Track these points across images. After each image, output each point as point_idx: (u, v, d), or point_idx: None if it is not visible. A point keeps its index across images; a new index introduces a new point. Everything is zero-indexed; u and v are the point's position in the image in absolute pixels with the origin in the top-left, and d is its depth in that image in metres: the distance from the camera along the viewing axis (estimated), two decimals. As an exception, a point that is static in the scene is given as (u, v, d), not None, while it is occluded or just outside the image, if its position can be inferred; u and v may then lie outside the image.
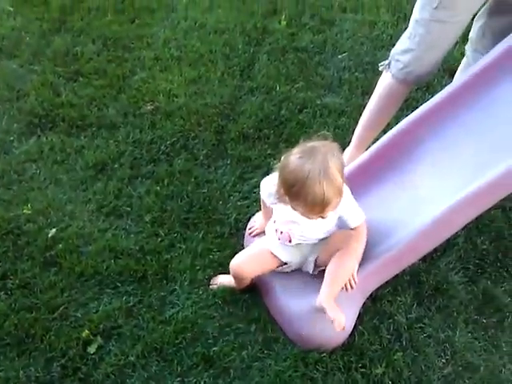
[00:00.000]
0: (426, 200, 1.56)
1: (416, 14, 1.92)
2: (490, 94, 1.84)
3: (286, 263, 1.76)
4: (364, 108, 2.21)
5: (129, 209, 2.14)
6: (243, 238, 1.97)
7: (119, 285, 1.88)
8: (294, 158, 1.52)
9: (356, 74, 2.81)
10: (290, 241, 1.70)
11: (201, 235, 2.03)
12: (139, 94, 2.66)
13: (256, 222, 1.92)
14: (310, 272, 1.76)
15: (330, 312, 1.58)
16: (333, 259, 1.67)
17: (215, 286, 1.84)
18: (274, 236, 1.74)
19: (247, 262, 1.74)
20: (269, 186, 1.66)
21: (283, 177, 1.53)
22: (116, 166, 2.31)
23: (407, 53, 1.96)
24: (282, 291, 1.73)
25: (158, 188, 2.21)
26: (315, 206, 1.50)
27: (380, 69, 2.10)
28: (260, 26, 3.13)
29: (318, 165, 1.48)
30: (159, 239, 2.02)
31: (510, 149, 1.66)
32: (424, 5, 1.87)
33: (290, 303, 1.70)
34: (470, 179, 1.59)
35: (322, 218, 1.56)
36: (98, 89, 2.70)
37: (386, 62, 2.06)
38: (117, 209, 2.14)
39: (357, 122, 2.26)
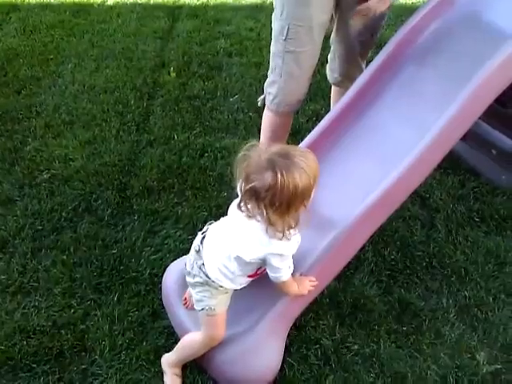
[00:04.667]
0: (323, 226, 1.61)
1: (272, 47, 2.06)
2: (373, 108, 1.95)
3: None
4: (260, 144, 2.29)
5: (36, 284, 2.03)
6: (160, 292, 1.93)
7: (35, 366, 1.76)
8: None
9: (249, 113, 2.91)
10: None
11: (116, 298, 1.96)
12: (33, 164, 2.57)
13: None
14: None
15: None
16: None
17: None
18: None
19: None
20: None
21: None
22: (17, 241, 2.20)
23: (274, 84, 2.08)
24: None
25: (65, 257, 2.12)
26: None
27: (259, 104, 2.21)
28: (150, 80, 3.18)
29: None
30: (72, 310, 1.93)
31: (396, 160, 1.76)
32: (276, 38, 2.01)
33: (215, 349, 1.67)
34: (362, 196, 1.68)
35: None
36: (-11, 166, 2.59)
37: (262, 96, 2.17)
38: (23, 286, 2.02)
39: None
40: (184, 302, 1.80)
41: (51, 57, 3.42)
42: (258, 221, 1.45)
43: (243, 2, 4.21)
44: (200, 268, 1.58)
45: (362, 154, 1.83)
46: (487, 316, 1.95)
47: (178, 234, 2.21)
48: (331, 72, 2.30)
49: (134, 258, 2.11)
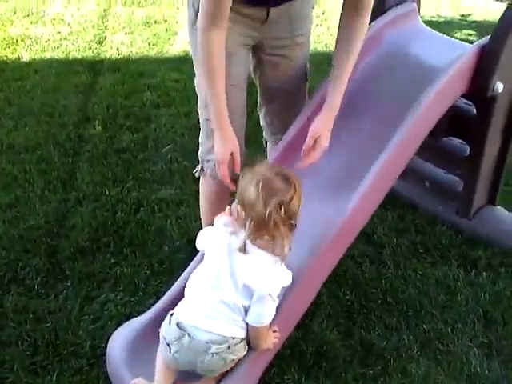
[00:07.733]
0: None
1: (202, 114, 1.92)
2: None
3: None
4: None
5: (-43, 374, 1.76)
6: (105, 365, 1.72)
7: None
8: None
9: (184, 162, 2.81)
10: None
11: (54, 378, 1.73)
12: (-51, 236, 2.31)
13: None
14: None
15: None
16: None
17: None
18: None
19: None
20: None
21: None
22: None
23: (212, 151, 1.88)
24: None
25: (-9, 337, 1.87)
26: None
27: (196, 175, 2.04)
28: (74, 135, 3.01)
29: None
30: (3, 399, 1.69)
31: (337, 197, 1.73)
32: (204, 105, 1.87)
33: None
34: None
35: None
36: None
37: (199, 166, 2.01)
38: None
39: (196, 209, 2.19)
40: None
41: (-37, 118, 3.18)
42: (271, 251, 1.44)
43: (166, 55, 4.17)
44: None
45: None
46: (449, 347, 1.91)
47: (118, 297, 2.03)
48: (274, 136, 2.11)
49: (72, 329, 1.90)
